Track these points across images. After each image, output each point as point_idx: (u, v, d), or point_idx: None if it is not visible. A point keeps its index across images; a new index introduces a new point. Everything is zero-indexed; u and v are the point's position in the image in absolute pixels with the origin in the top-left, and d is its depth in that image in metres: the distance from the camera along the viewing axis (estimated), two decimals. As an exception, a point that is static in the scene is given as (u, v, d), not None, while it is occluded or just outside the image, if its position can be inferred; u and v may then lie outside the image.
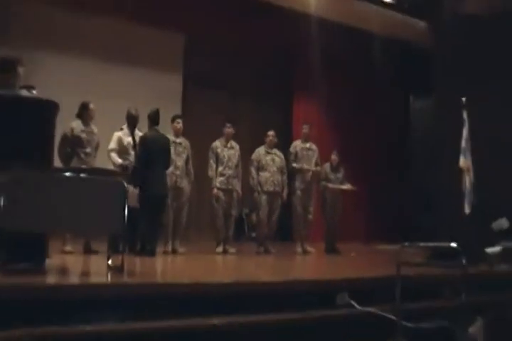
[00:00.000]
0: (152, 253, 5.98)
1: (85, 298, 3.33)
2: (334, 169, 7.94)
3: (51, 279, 3.95)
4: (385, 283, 4.29)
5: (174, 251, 6.74)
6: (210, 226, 7.88)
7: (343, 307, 4.13)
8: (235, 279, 4.46)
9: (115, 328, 3.24)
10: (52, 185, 3.84)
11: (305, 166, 7.77)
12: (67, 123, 6.05)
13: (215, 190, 7.24)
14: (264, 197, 7.45)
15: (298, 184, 7.76)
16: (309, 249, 7.82)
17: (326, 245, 7.98)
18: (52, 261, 4.44)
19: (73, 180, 4.07)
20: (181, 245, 6.88)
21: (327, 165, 7.94)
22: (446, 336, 3.84)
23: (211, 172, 7.28)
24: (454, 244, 3.89)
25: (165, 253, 6.59)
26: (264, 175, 7.47)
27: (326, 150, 8.20)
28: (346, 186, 7.99)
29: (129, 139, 6.50)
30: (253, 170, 7.51)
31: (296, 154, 7.85)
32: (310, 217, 7.88)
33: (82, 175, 4.28)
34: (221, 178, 7.25)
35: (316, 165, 7.91)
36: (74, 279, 4.28)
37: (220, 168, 7.28)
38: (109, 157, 6.51)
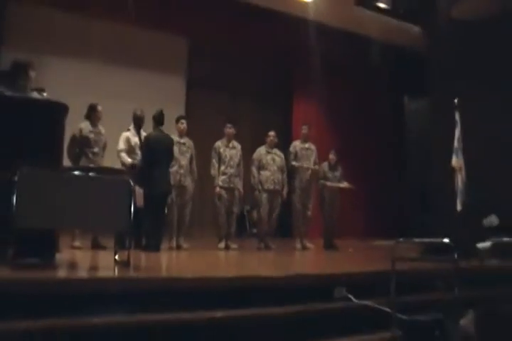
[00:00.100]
0: (157, 248, 5.99)
1: (93, 291, 3.34)
2: (332, 168, 7.95)
3: (61, 273, 3.96)
4: (380, 277, 4.29)
5: (178, 247, 6.75)
6: (213, 223, 7.89)
7: (340, 301, 4.13)
8: (236, 274, 4.47)
9: (122, 320, 3.25)
10: (62, 184, 3.85)
11: (304, 165, 7.78)
12: (75, 124, 6.06)
13: (218, 189, 7.25)
14: (264, 195, 7.46)
15: (297, 183, 7.76)
16: (308, 245, 7.82)
17: (324, 241, 7.99)
18: (62, 255, 4.46)
19: (82, 179, 4.08)
20: (185, 241, 6.89)
21: (325, 164, 7.95)
22: (439, 328, 3.84)
23: (214, 171, 7.29)
24: (446, 240, 3.90)
25: (170, 248, 6.60)
26: (265, 173, 7.48)
27: (324, 150, 8.20)
28: (344, 184, 8.00)
29: (136, 139, 6.52)
30: (254, 169, 7.51)
31: (295, 154, 7.85)
32: (309, 214, 7.88)
33: (90, 174, 4.29)
34: (223, 177, 7.26)
35: (315, 164, 7.91)
36: (82, 273, 4.27)
37: (222, 167, 7.29)
38: (120, 157, 6.51)
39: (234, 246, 7.27)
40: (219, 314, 3.52)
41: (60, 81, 8.00)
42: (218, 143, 7.39)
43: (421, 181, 10.81)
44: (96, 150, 6.26)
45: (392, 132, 12.62)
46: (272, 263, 6.10)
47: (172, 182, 6.59)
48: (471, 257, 5.64)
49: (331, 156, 7.97)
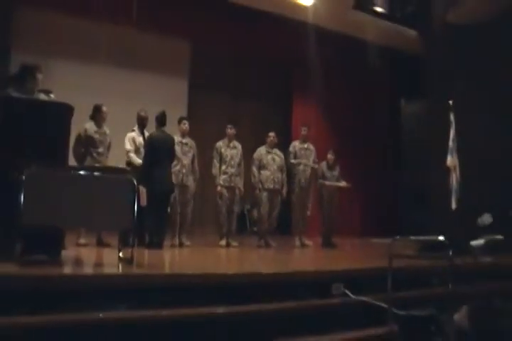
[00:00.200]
0: (160, 246, 5.99)
1: (98, 287, 3.35)
2: (330, 167, 7.95)
3: (67, 270, 3.97)
4: (377, 274, 4.30)
5: (181, 245, 6.75)
6: (214, 221, 7.88)
7: (338, 297, 4.14)
8: (237, 270, 4.48)
9: (126, 315, 3.26)
10: (67, 183, 3.86)
11: (303, 161, 7.77)
12: (81, 124, 6.06)
13: (219, 188, 7.25)
14: (264, 194, 7.45)
15: (297, 182, 7.76)
16: (307, 242, 7.82)
17: (322, 239, 7.98)
18: (68, 252, 4.48)
19: (87, 178, 4.09)
20: (187, 239, 6.89)
21: (323, 164, 7.94)
22: (434, 322, 3.85)
23: (215, 171, 7.29)
24: (441, 238, 3.90)
25: (172, 246, 6.60)
26: (265, 173, 7.47)
27: (322, 150, 8.20)
28: (342, 183, 8.00)
29: (141, 139, 6.53)
30: (254, 169, 7.51)
31: (295, 153, 7.85)
32: (308, 212, 7.88)
33: (95, 173, 4.29)
34: (224, 176, 7.26)
35: (314, 163, 7.91)
36: (88, 270, 4.29)
37: (224, 167, 7.29)
38: (129, 157, 6.52)
39: (235, 243, 7.27)
40: (220, 310, 3.53)
41: (66, 83, 7.99)
42: (219, 143, 7.39)
43: (417, 180, 10.82)
44: (101, 150, 6.26)
45: (389, 133, 12.62)
46: (272, 260, 6.10)
47: (174, 181, 6.59)
48: (465, 254, 5.64)
49: (329, 156, 7.97)
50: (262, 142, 7.79)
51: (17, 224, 3.58)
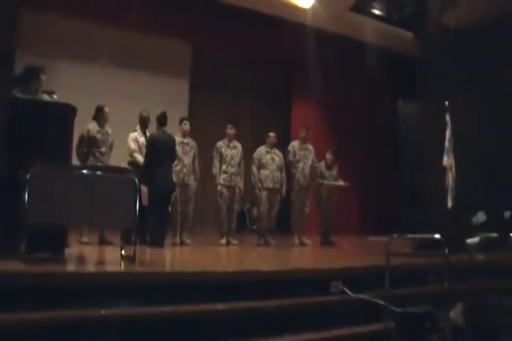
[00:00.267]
0: (161, 244, 5.99)
1: (101, 284, 3.36)
2: (329, 167, 7.96)
3: (70, 267, 3.98)
4: (375, 271, 4.32)
5: (182, 243, 6.75)
6: (215, 220, 7.89)
7: (336, 294, 4.15)
8: (237, 268, 4.49)
9: (128, 312, 3.27)
10: (70, 182, 3.87)
11: (301, 162, 7.79)
12: (83, 125, 6.05)
13: (219, 187, 7.26)
14: (264, 193, 7.46)
15: (296, 181, 7.77)
16: (306, 241, 7.82)
17: (321, 237, 7.99)
18: (71, 250, 4.48)
19: (90, 178, 4.10)
20: (188, 237, 6.88)
21: (322, 164, 7.96)
22: (430, 319, 3.86)
23: (215, 170, 7.30)
24: (437, 236, 3.91)
25: (173, 244, 6.60)
26: (265, 172, 7.48)
27: (321, 150, 8.21)
28: (340, 183, 8.01)
29: (143, 139, 6.54)
30: (254, 168, 7.52)
31: (294, 153, 7.86)
32: (306, 211, 7.88)
33: (97, 172, 4.30)
34: (224, 176, 7.27)
35: (312, 163, 7.91)
36: (90, 267, 4.29)
37: (224, 166, 7.29)
38: (133, 157, 6.52)
39: (235, 241, 7.28)
40: (220, 306, 3.54)
41: (69, 84, 7.99)
42: (220, 143, 7.40)
43: (414, 180, 10.83)
44: (103, 149, 6.27)
45: (386, 133, 12.61)
46: (271, 258, 6.11)
47: (176, 180, 6.60)
48: (461, 252, 5.65)
49: (328, 156, 7.98)
50: (261, 142, 7.79)
51: (21, 223, 3.59)
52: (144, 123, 6.68)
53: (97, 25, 9.06)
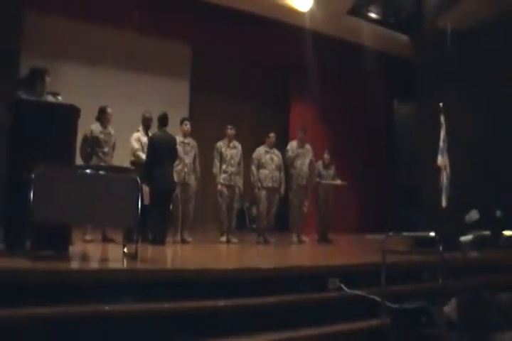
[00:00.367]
0: (162, 242, 6.01)
1: (104, 281, 3.37)
2: (326, 166, 7.98)
3: (74, 264, 3.98)
4: (371, 268, 4.32)
5: (183, 241, 6.76)
6: (215, 219, 7.91)
7: (334, 291, 4.16)
8: (237, 266, 4.49)
9: (130, 308, 3.28)
10: (74, 182, 3.87)
11: (299, 162, 7.79)
12: (87, 125, 6.06)
13: (219, 186, 7.27)
14: (263, 193, 7.47)
15: (294, 180, 7.78)
16: (304, 238, 7.83)
17: (319, 235, 8.01)
18: (75, 248, 4.48)
19: (93, 177, 4.10)
20: (189, 235, 6.89)
21: (320, 163, 7.97)
22: (425, 315, 3.88)
23: (215, 170, 7.31)
24: (432, 234, 3.93)
25: (174, 242, 6.61)
26: (264, 172, 7.49)
27: (319, 150, 8.21)
28: (337, 182, 8.02)
29: (145, 139, 6.54)
30: (254, 168, 7.52)
31: (292, 152, 7.85)
32: (304, 210, 7.89)
33: (100, 172, 4.30)
34: (224, 175, 7.28)
35: (311, 162, 7.92)
36: (94, 265, 4.30)
37: (224, 166, 7.30)
38: (137, 156, 6.52)
39: (234, 240, 7.28)
40: (221, 303, 3.54)
41: (73, 85, 8.00)
42: (220, 143, 7.41)
43: (409, 179, 10.85)
44: (106, 149, 6.28)
45: (382, 133, 12.64)
46: (271, 256, 6.11)
47: (177, 180, 6.60)
48: (455, 249, 5.67)
49: (325, 156, 8.00)
50: (261, 142, 7.80)
51: (27, 222, 3.60)
52: (146, 123, 6.70)
53: (99, 27, 9.07)
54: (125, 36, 9.33)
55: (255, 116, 11.54)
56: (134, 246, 4.14)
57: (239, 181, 7.38)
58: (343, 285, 4.16)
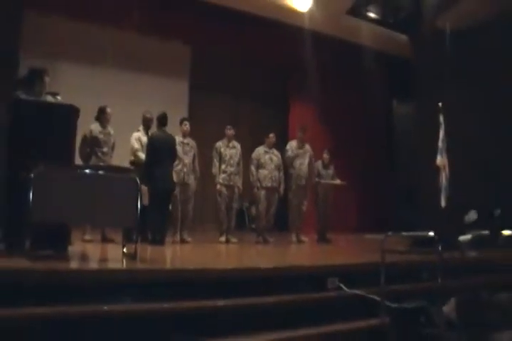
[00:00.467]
0: (162, 242, 6.00)
1: (103, 281, 3.37)
2: (325, 166, 7.98)
3: (73, 264, 3.98)
4: (371, 268, 4.32)
5: (182, 241, 6.76)
6: (214, 219, 7.90)
7: (333, 290, 4.16)
8: (236, 265, 4.50)
9: (129, 308, 3.27)
10: (74, 181, 3.87)
11: (298, 162, 7.79)
12: (86, 125, 6.06)
13: (219, 186, 7.27)
14: (262, 192, 7.47)
15: (293, 180, 7.77)
16: (303, 238, 7.83)
17: (318, 235, 8.01)
18: (74, 248, 4.48)
19: (92, 177, 4.10)
20: (188, 235, 6.89)
21: (319, 163, 7.97)
22: (424, 314, 3.87)
23: (215, 170, 7.31)
24: (431, 234, 3.93)
25: (174, 242, 6.60)
26: (263, 172, 7.49)
27: (318, 150, 8.21)
28: (337, 181, 8.02)
29: (145, 139, 6.54)
30: (253, 168, 7.52)
31: (292, 152, 7.86)
32: (304, 209, 7.89)
33: (100, 172, 4.30)
34: (224, 175, 7.28)
35: (310, 162, 7.92)
36: (93, 264, 4.30)
37: (223, 166, 7.30)
38: (136, 156, 6.53)
39: (234, 239, 7.28)
40: (220, 303, 3.54)
41: (72, 85, 8.00)
42: (219, 143, 7.41)
43: (408, 179, 10.85)
44: (105, 149, 6.27)
45: (382, 133, 12.64)
46: (270, 256, 6.11)
47: (176, 179, 6.60)
48: (454, 249, 5.67)
49: (325, 155, 8.00)
50: (260, 142, 7.80)
51: (26, 221, 3.59)
52: (146, 124, 6.71)
53: (99, 27, 9.06)
54: (125, 36, 9.33)
55: (255, 116, 11.54)
56: (134, 246, 4.14)
57: (238, 181, 7.38)
58: (342, 285, 4.17)
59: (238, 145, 7.48)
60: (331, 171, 8.01)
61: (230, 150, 7.35)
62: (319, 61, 10.64)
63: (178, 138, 6.79)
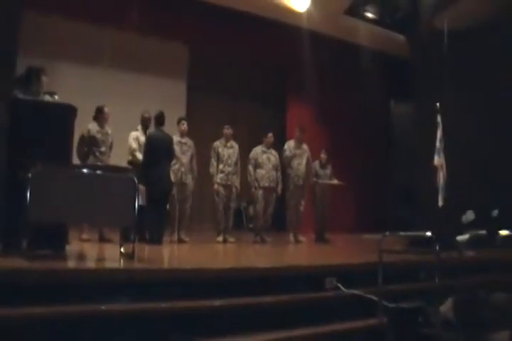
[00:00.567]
0: (159, 242, 6.00)
1: (101, 280, 3.36)
2: (323, 166, 7.98)
3: (71, 264, 3.97)
4: (368, 268, 4.33)
5: (179, 240, 6.76)
6: (212, 218, 7.90)
7: (331, 290, 4.16)
8: (234, 265, 4.49)
9: (127, 308, 3.27)
10: (71, 181, 3.86)
11: (297, 162, 7.80)
12: (84, 125, 6.05)
13: (216, 186, 7.27)
14: (260, 192, 7.47)
15: (291, 180, 7.78)
16: (301, 238, 7.84)
17: (315, 235, 8.01)
18: (71, 247, 4.47)
19: (90, 177, 4.10)
20: (186, 235, 6.89)
21: (317, 163, 7.97)
22: (422, 314, 3.88)
23: (212, 170, 7.30)
24: (429, 233, 3.93)
25: (171, 242, 6.60)
26: (261, 172, 7.49)
27: (316, 150, 8.22)
28: (334, 181, 8.03)
29: (143, 138, 6.54)
30: (250, 168, 7.52)
31: (289, 152, 7.86)
32: (301, 209, 7.89)
33: (97, 171, 4.30)
34: (221, 175, 7.27)
35: (308, 162, 7.92)
36: (91, 264, 4.29)
37: (221, 166, 7.30)
38: (134, 155, 6.53)
39: (231, 239, 7.28)
40: (218, 302, 3.54)
41: (70, 85, 7.99)
42: (217, 143, 7.41)
43: (406, 179, 10.85)
44: (103, 149, 6.26)
45: (379, 133, 12.65)
46: (268, 256, 6.12)
47: (173, 179, 6.61)
48: (451, 249, 5.67)
49: (322, 155, 8.00)
50: (258, 142, 7.80)
51: (23, 221, 3.59)
52: (145, 123, 6.72)
53: (98, 27, 9.07)
54: (123, 36, 9.33)
55: (252, 116, 11.55)
56: (131, 245, 4.14)
57: (236, 181, 7.38)
58: (340, 285, 4.17)
59: (236, 145, 7.48)
60: (328, 171, 8.02)
61: (227, 150, 7.35)
62: (317, 61, 10.65)
63: (176, 138, 6.79)
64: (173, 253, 5.85)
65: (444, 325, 3.75)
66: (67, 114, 4.19)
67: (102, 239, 6.11)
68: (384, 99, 12.77)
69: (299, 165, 7.80)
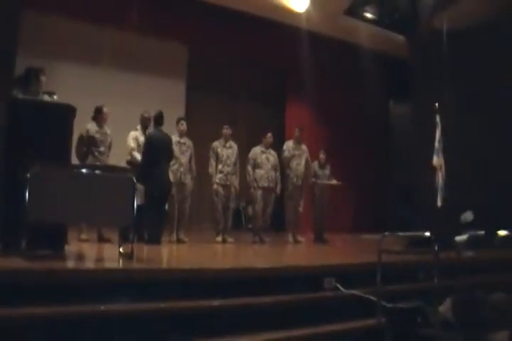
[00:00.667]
0: (158, 242, 6.00)
1: (100, 280, 3.36)
2: (322, 166, 7.98)
3: (70, 264, 3.97)
4: (367, 268, 4.33)
5: (178, 241, 6.76)
6: (211, 218, 7.90)
7: (330, 290, 4.17)
8: (233, 265, 4.50)
9: (126, 308, 3.27)
10: (70, 181, 3.86)
11: (295, 162, 7.80)
12: (83, 125, 6.06)
13: (215, 186, 7.27)
14: (259, 192, 7.47)
15: (290, 180, 7.78)
16: (300, 238, 7.84)
17: (314, 235, 8.02)
18: (70, 247, 4.48)
19: (89, 176, 4.10)
20: (185, 235, 6.89)
21: (315, 163, 7.97)
22: (420, 314, 3.88)
23: (211, 170, 7.30)
24: (428, 234, 3.93)
25: (170, 242, 6.61)
26: (260, 172, 7.49)
27: (314, 150, 8.22)
28: (333, 182, 8.03)
29: (142, 138, 6.55)
30: (249, 168, 7.52)
31: (288, 152, 7.86)
32: (300, 209, 7.89)
33: (96, 171, 4.30)
34: (220, 175, 7.27)
35: (307, 162, 7.93)
36: (90, 264, 4.29)
37: (220, 166, 7.30)
38: (131, 155, 6.53)
39: (230, 239, 7.28)
40: (216, 302, 3.54)
41: (69, 85, 7.99)
42: (216, 143, 7.41)
43: (405, 179, 10.86)
44: (102, 149, 6.27)
45: (379, 133, 12.66)
46: (266, 256, 6.11)
47: (172, 179, 6.61)
48: (450, 249, 5.68)
49: (321, 156, 8.00)
50: (257, 142, 7.80)
51: (22, 221, 3.59)
52: (144, 123, 6.72)
53: (97, 27, 9.07)
54: (122, 36, 9.33)
55: (252, 116, 11.55)
56: (130, 245, 4.14)
57: (235, 181, 7.39)
58: (338, 285, 4.17)
59: (235, 145, 7.48)
60: (327, 171, 8.02)
61: (226, 150, 7.36)
62: (317, 61, 10.66)
63: (175, 138, 6.79)
64: (172, 254, 5.85)
65: (443, 325, 3.76)
66: (66, 113, 4.19)
67: (101, 239, 6.11)
68: (383, 99, 12.78)
69: (298, 165, 7.80)
